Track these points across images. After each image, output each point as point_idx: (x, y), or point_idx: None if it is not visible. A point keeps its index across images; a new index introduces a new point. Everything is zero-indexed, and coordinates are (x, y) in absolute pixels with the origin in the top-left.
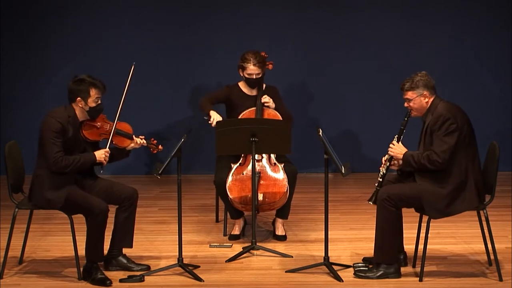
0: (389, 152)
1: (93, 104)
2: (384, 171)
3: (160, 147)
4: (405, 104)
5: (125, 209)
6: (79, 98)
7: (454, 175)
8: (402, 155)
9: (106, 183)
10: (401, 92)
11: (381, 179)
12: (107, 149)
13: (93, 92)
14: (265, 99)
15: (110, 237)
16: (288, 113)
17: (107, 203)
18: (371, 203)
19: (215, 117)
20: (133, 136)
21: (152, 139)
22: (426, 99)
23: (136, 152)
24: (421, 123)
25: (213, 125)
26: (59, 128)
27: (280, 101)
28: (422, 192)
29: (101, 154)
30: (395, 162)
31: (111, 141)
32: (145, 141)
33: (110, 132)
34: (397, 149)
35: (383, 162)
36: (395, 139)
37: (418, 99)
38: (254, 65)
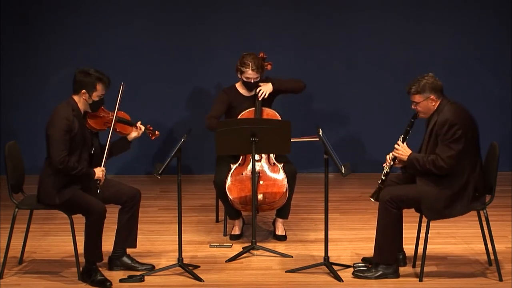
0: (394, 153)
1: (97, 99)
2: (388, 170)
3: (157, 132)
4: (412, 106)
5: (128, 209)
6: (84, 91)
7: (455, 179)
8: (406, 158)
9: (109, 183)
10: (402, 92)
11: (384, 177)
12: (103, 167)
13: (99, 87)
14: (260, 91)
15: (114, 237)
16: (296, 81)
17: (110, 203)
18: (372, 200)
19: None
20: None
21: (149, 125)
22: (433, 103)
23: (136, 152)
24: (425, 124)
25: None
26: (66, 126)
27: (279, 79)
28: (422, 193)
29: (99, 172)
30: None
31: (114, 129)
32: (143, 127)
33: (112, 121)
34: (402, 150)
35: (387, 160)
36: (400, 139)
37: (425, 102)
38: (252, 70)
